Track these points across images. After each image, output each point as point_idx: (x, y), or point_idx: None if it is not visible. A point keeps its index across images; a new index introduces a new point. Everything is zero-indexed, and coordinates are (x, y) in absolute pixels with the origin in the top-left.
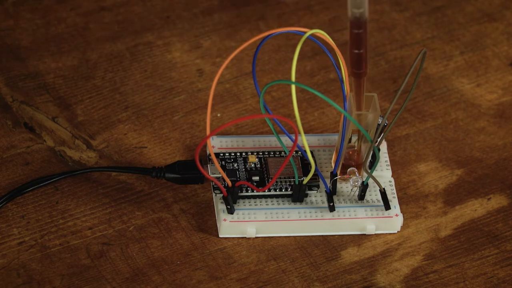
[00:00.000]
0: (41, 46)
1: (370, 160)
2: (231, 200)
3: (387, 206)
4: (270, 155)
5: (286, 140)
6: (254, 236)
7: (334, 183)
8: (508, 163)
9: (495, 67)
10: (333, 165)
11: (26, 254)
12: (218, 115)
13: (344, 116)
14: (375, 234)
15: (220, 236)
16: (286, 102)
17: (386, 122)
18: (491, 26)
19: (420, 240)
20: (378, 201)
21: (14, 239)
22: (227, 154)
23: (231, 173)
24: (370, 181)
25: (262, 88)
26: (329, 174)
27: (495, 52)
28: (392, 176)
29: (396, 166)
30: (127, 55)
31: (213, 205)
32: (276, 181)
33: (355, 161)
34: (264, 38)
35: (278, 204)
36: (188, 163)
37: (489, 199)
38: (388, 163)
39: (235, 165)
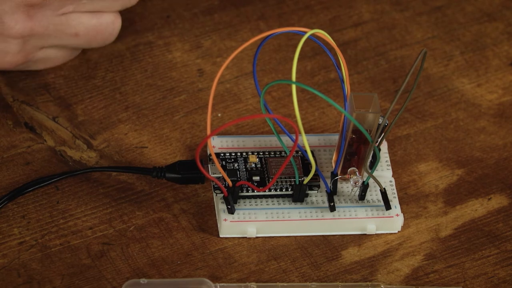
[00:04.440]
0: None
1: (371, 160)
2: (232, 200)
3: (387, 206)
4: (271, 155)
5: (286, 140)
6: (254, 236)
7: (334, 183)
8: (508, 163)
9: (496, 67)
10: (333, 165)
11: (26, 254)
12: (219, 115)
13: (344, 116)
14: (375, 234)
15: (221, 236)
16: (286, 102)
17: (387, 122)
18: (491, 26)
19: (421, 240)
20: (379, 201)
21: (14, 239)
22: (228, 154)
23: (231, 173)
24: (371, 181)
25: (263, 88)
26: (329, 174)
27: (496, 52)
28: (392, 176)
29: (397, 166)
30: (128, 55)
31: (214, 205)
32: (277, 181)
33: None
34: (264, 38)
35: (279, 204)
36: (188, 163)
37: (489, 199)
38: (389, 163)
39: (236, 165)
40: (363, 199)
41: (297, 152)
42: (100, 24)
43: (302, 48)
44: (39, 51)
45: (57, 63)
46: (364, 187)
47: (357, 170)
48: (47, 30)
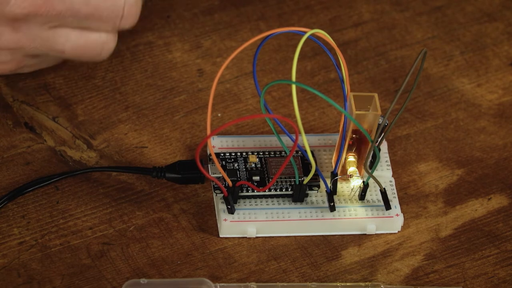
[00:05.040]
0: None
1: (371, 160)
2: (232, 200)
3: (387, 206)
4: (271, 155)
5: (286, 140)
6: (254, 236)
7: (334, 183)
8: (508, 163)
9: (496, 67)
10: (333, 165)
11: (26, 254)
12: (219, 115)
13: (344, 115)
14: (375, 234)
15: (221, 236)
16: (286, 102)
17: (387, 122)
18: (492, 26)
19: (421, 240)
20: (379, 201)
21: (14, 239)
22: (228, 154)
23: (231, 173)
24: (371, 181)
25: (263, 88)
26: (329, 174)
27: (496, 52)
28: (392, 176)
29: (397, 166)
30: (128, 55)
31: (214, 205)
32: (277, 181)
33: None
34: (264, 38)
35: (279, 204)
36: (188, 163)
37: (489, 199)
38: (389, 163)
39: (236, 165)
40: (363, 199)
41: (297, 152)
42: (88, 43)
43: (302, 48)
44: (30, 58)
45: (49, 65)
46: (364, 187)
47: (357, 170)
48: (34, 43)
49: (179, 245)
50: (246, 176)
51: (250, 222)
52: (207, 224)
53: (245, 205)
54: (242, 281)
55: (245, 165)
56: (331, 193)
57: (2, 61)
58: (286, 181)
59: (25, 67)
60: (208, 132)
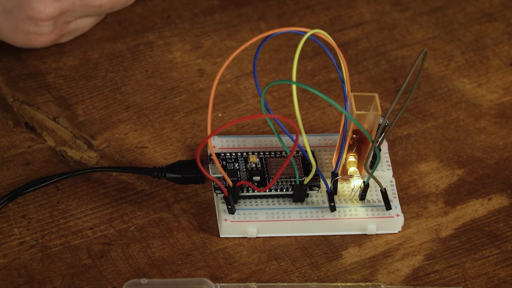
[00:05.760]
0: None
1: (371, 160)
2: (232, 200)
3: (388, 206)
4: (271, 155)
5: (287, 140)
6: (255, 236)
7: (335, 183)
8: (509, 163)
9: (496, 67)
10: (334, 165)
11: (27, 254)
12: (219, 115)
13: (345, 116)
14: (376, 234)
15: (221, 236)
16: (287, 102)
17: (387, 122)
18: (492, 26)
19: (421, 240)
20: (379, 201)
21: (15, 239)
22: (228, 154)
23: (232, 173)
24: (371, 181)
25: (263, 88)
26: (330, 174)
27: (496, 52)
28: (393, 176)
29: (397, 166)
30: (128, 55)
31: (214, 205)
32: (277, 181)
33: None
34: (265, 38)
35: (279, 204)
36: (189, 163)
37: (490, 199)
38: (389, 163)
39: (236, 165)
40: (364, 199)
41: (297, 152)
42: None
43: (302, 48)
44: (68, 25)
45: (85, 31)
46: (365, 187)
47: (357, 170)
48: (73, 6)
49: (180, 245)
50: (247, 176)
51: (251, 222)
52: (208, 224)
53: (246, 205)
54: (242, 281)
55: (245, 165)
56: (332, 193)
57: (45, 32)
58: (286, 181)
59: (65, 35)
60: (209, 132)
